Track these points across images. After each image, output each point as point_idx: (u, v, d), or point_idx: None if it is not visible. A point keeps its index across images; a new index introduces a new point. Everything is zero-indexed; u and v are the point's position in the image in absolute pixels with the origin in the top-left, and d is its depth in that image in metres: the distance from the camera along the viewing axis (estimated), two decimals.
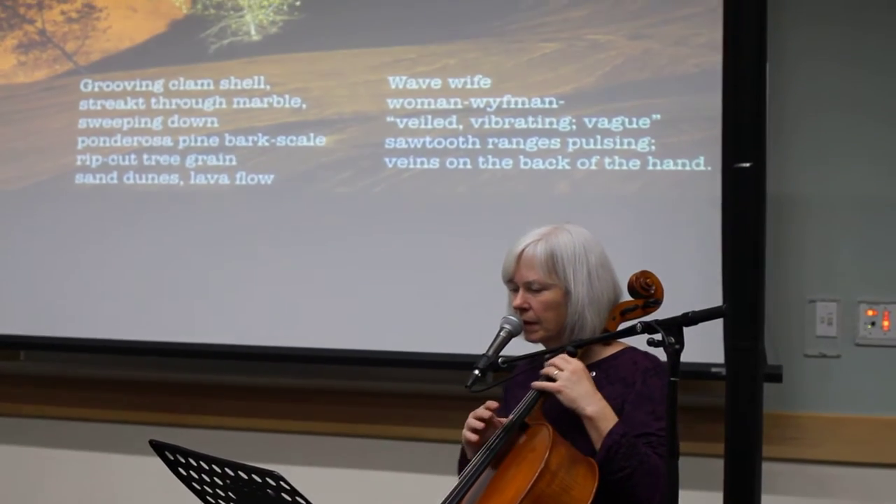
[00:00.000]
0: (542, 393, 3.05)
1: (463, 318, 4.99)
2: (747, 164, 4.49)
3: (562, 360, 3.02)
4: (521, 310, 3.18)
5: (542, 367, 3.16)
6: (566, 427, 3.00)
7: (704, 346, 4.36)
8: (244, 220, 5.38)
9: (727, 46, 4.80)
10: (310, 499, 2.54)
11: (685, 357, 2.79)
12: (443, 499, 2.96)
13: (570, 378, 2.99)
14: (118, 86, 5.65)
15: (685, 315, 2.83)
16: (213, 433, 5.40)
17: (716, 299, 4.60)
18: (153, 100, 5.59)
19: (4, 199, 5.71)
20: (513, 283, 3.21)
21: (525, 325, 3.17)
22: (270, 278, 5.30)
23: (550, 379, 3.02)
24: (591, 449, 2.97)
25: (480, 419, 3.08)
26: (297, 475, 2.55)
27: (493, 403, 3.13)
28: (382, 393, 5.34)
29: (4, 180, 5.73)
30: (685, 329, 2.81)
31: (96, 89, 5.68)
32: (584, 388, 2.99)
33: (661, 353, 2.90)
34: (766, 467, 4.56)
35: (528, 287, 3.16)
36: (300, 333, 5.23)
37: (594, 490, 2.86)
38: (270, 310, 5.29)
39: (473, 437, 3.05)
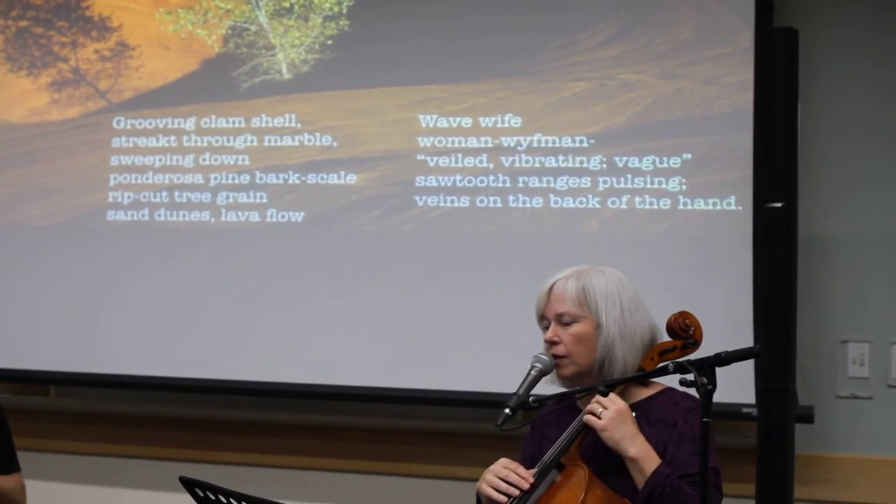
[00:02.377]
0: (582, 430, 3.03)
1: (492, 357, 4.98)
2: (779, 204, 4.48)
3: (607, 400, 3.00)
4: (551, 343, 3.16)
5: (574, 406, 3.15)
6: (602, 468, 2.98)
7: (736, 386, 4.32)
8: (274, 258, 5.39)
9: (758, 86, 4.80)
10: None
11: (716, 397, 2.77)
12: None
13: (614, 418, 2.97)
14: (150, 123, 5.68)
15: (718, 355, 2.81)
16: (240, 469, 5.38)
17: (746, 340, 4.58)
18: (185, 137, 5.61)
19: (36, 235, 5.74)
20: (545, 320, 3.20)
21: (556, 359, 3.15)
22: (300, 315, 5.31)
23: (595, 414, 3.00)
24: (626, 491, 2.94)
25: (507, 480, 3.02)
26: None
27: (511, 462, 3.09)
28: (410, 431, 5.33)
29: (37, 216, 5.76)
30: (717, 369, 2.79)
31: (128, 127, 5.71)
32: (628, 429, 2.97)
33: (693, 393, 2.88)
34: None
35: (559, 320, 3.15)
36: (330, 370, 5.23)
37: None
38: (300, 347, 5.29)
39: (502, 499, 3.00)
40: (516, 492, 2.97)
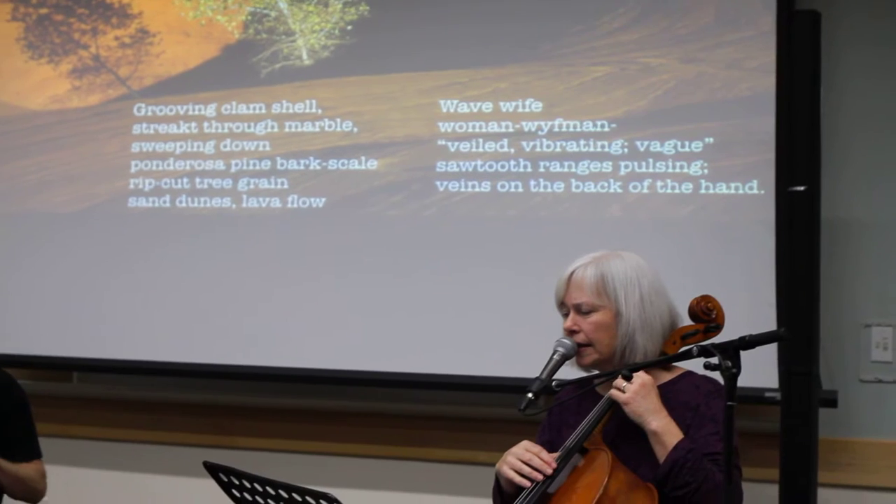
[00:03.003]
0: (606, 413, 3.02)
1: (513, 341, 4.98)
2: (802, 188, 4.47)
3: (634, 375, 2.99)
4: (571, 332, 3.15)
5: (594, 392, 3.14)
6: (624, 453, 2.98)
7: (759, 370, 4.31)
8: (296, 243, 5.40)
9: (780, 70, 4.78)
10: None
11: (740, 382, 2.76)
12: None
13: (638, 391, 2.97)
14: (171, 110, 5.69)
15: (742, 339, 2.80)
16: (261, 455, 5.40)
17: (769, 324, 4.56)
18: (205, 124, 5.62)
19: (58, 223, 5.76)
20: (564, 307, 3.19)
21: (577, 348, 3.14)
22: (321, 301, 5.32)
23: (619, 389, 2.99)
24: (649, 476, 2.94)
25: (530, 464, 3.01)
26: (347, 498, 2.54)
27: (534, 446, 3.08)
28: (431, 416, 5.34)
29: (58, 203, 5.77)
30: (741, 353, 2.79)
31: (149, 113, 5.72)
32: (652, 403, 2.97)
33: (717, 377, 2.87)
34: (822, 493, 4.52)
35: (578, 309, 3.14)
36: (351, 356, 5.24)
37: None
38: (321, 332, 5.30)
39: (525, 483, 2.98)
40: (539, 476, 2.96)
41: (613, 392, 2.99)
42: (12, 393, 4.26)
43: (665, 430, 2.93)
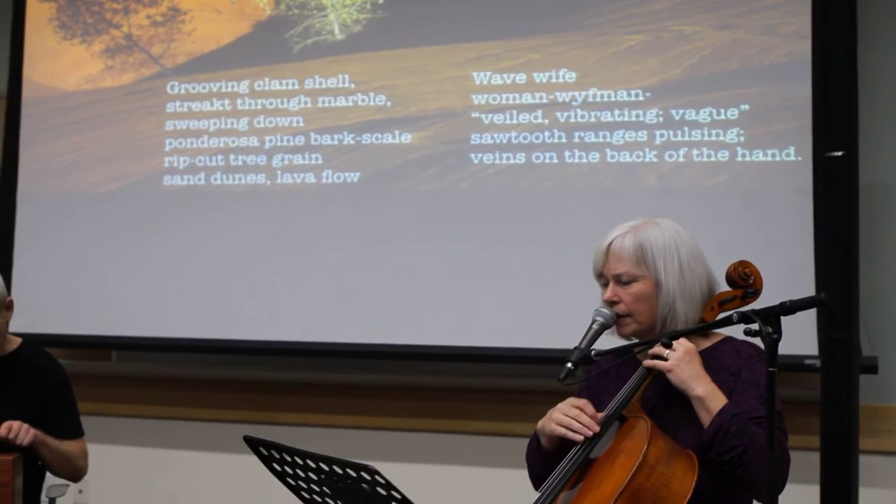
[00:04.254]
0: (644, 381, 3.01)
1: (550, 313, 4.98)
2: (839, 153, 4.43)
3: (675, 343, 2.97)
4: (611, 303, 3.13)
5: (634, 359, 3.13)
6: (663, 421, 2.96)
7: (799, 338, 4.30)
8: (331, 218, 5.40)
9: (816, 35, 4.74)
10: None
11: (779, 349, 2.74)
12: (539, 493, 2.93)
13: (682, 358, 2.94)
14: (204, 87, 5.69)
15: (782, 304, 2.78)
16: (300, 430, 5.42)
17: (808, 291, 4.54)
18: (239, 101, 5.62)
19: (94, 202, 5.78)
20: (602, 277, 3.17)
21: (617, 318, 3.12)
22: (359, 275, 5.32)
23: (661, 358, 2.97)
24: (688, 443, 2.92)
25: (578, 420, 2.99)
26: (384, 471, 2.54)
27: (579, 401, 3.07)
28: (467, 389, 5.34)
29: (94, 183, 5.79)
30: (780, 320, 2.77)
31: (183, 91, 5.72)
32: (696, 369, 2.94)
33: (757, 343, 2.85)
34: (863, 460, 4.50)
35: (618, 280, 3.11)
36: (390, 330, 5.24)
37: (694, 484, 2.81)
38: (358, 307, 5.30)
39: (576, 437, 2.96)
40: (588, 432, 2.94)
41: (656, 363, 2.97)
42: (54, 373, 4.29)
43: (710, 396, 2.91)
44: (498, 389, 5.29)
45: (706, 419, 2.89)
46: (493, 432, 5.29)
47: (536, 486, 3.14)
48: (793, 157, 4.81)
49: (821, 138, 4.66)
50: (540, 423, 3.07)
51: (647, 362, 2.99)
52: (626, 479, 2.77)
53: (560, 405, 3.03)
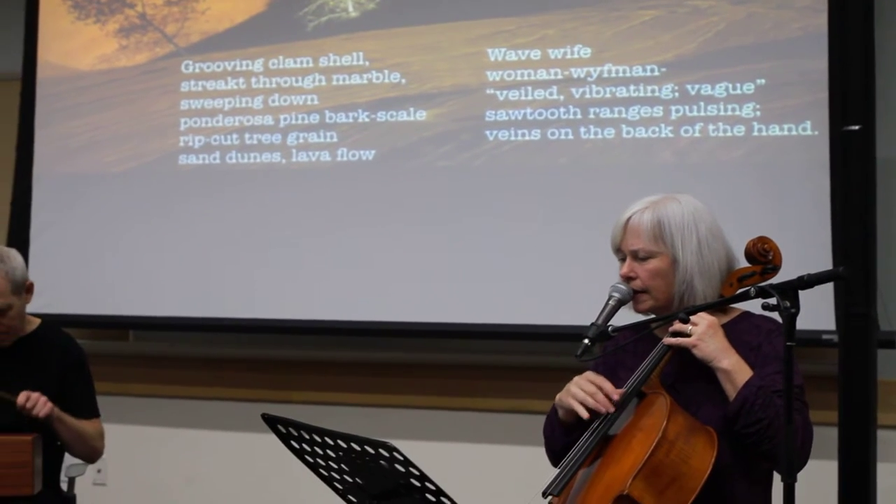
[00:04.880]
0: (664, 356, 3.00)
1: (567, 289, 4.97)
2: (856, 127, 4.41)
3: (696, 317, 2.96)
4: (628, 279, 3.12)
5: (651, 335, 3.12)
6: (682, 396, 2.95)
7: (816, 313, 4.29)
8: (346, 196, 5.40)
9: (832, 7, 4.71)
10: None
11: (797, 324, 2.73)
12: (558, 469, 2.93)
13: (706, 332, 2.93)
14: (219, 66, 5.69)
15: (800, 278, 2.77)
16: (318, 408, 5.42)
17: (825, 266, 4.49)
18: (253, 79, 5.62)
19: (109, 182, 5.78)
20: (620, 252, 3.16)
21: (634, 294, 3.11)
22: (374, 253, 5.32)
23: (683, 335, 2.96)
24: (707, 419, 2.91)
25: (594, 398, 2.98)
26: (402, 449, 2.54)
27: (598, 377, 3.06)
28: (486, 366, 5.34)
29: (109, 163, 5.80)
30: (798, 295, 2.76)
31: (197, 70, 5.72)
32: (720, 342, 2.93)
33: (775, 318, 2.85)
34: (881, 435, 4.50)
35: (635, 255, 3.10)
36: (406, 308, 5.25)
37: (713, 460, 2.80)
38: (374, 285, 5.31)
39: (585, 414, 2.96)
40: (603, 409, 2.94)
41: (680, 339, 2.95)
42: (71, 353, 4.31)
43: (736, 369, 2.90)
44: (514, 366, 5.30)
45: (732, 392, 2.88)
46: (510, 409, 5.29)
47: (554, 461, 3.14)
48: (809, 132, 4.79)
49: (837, 112, 4.64)
50: (557, 396, 3.06)
51: (669, 340, 2.98)
52: (645, 455, 2.77)
53: (577, 379, 3.02)
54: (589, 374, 3.04)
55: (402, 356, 5.46)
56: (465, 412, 5.39)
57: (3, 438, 3.98)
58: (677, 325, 2.96)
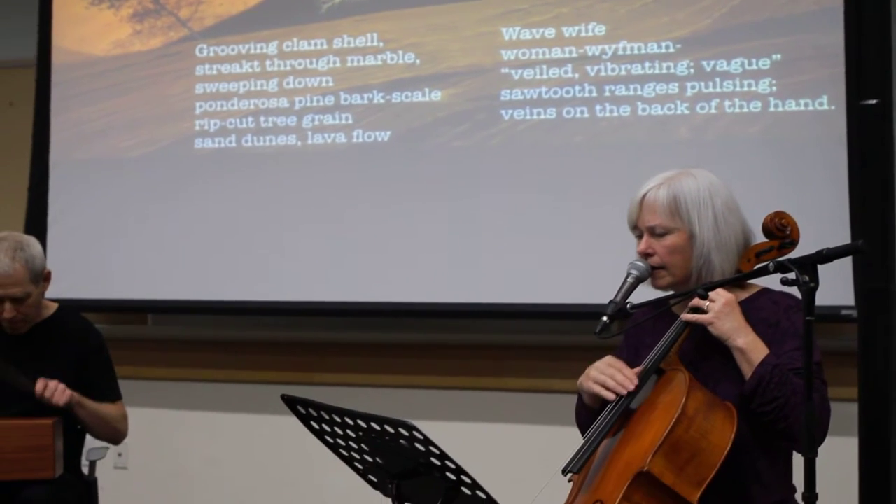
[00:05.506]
0: (682, 333, 2.99)
1: (585, 268, 4.97)
2: (873, 101, 4.40)
3: (713, 294, 2.95)
4: (645, 255, 3.11)
5: (670, 312, 3.11)
6: (701, 373, 2.95)
7: (835, 288, 4.27)
8: (363, 178, 5.40)
9: None
10: None
11: (815, 300, 2.72)
12: (578, 447, 2.93)
13: (722, 310, 2.93)
14: (233, 50, 5.68)
15: (819, 252, 2.76)
16: (339, 390, 5.42)
17: (843, 241, 4.46)
18: (268, 62, 5.61)
19: (126, 167, 5.79)
20: (637, 229, 3.15)
21: (652, 270, 3.10)
22: (391, 234, 5.32)
23: (700, 311, 2.96)
24: (726, 395, 2.91)
25: (614, 379, 2.98)
26: (423, 429, 2.54)
27: (616, 361, 3.06)
28: (506, 345, 5.34)
29: (125, 148, 5.80)
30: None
31: (211, 54, 5.72)
32: (737, 320, 2.93)
33: (794, 293, 2.84)
34: None
35: (652, 232, 3.09)
36: (423, 288, 5.25)
37: (733, 435, 2.80)
38: (393, 266, 5.31)
39: (609, 395, 2.96)
40: (623, 390, 2.94)
41: (696, 317, 2.95)
42: (90, 337, 4.32)
43: (751, 347, 2.90)
44: (533, 346, 5.30)
45: (747, 370, 2.88)
46: (531, 389, 5.29)
47: None
48: (826, 107, 4.77)
49: (854, 86, 4.62)
50: (579, 382, 3.06)
51: (686, 316, 2.98)
52: (664, 431, 2.77)
53: (597, 363, 3.03)
54: (609, 358, 3.05)
55: (420, 337, 5.46)
56: (486, 392, 5.39)
57: (23, 422, 4.00)
58: (696, 301, 2.96)
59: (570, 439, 3.13)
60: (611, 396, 2.94)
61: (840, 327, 4.65)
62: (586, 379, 3.02)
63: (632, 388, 2.93)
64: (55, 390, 4.03)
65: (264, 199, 5.54)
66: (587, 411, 3.09)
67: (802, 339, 2.74)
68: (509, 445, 5.30)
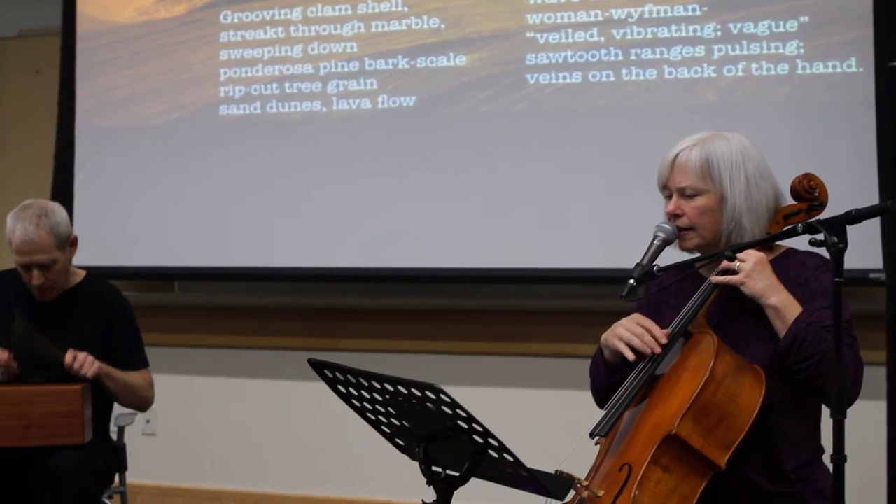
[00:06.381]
0: (711, 295, 2.97)
1: (610, 232, 4.96)
2: None
3: (743, 254, 2.93)
4: (674, 216, 3.09)
5: (696, 274, 3.09)
6: (729, 336, 2.93)
7: (863, 251, 4.25)
8: (388, 143, 5.39)
9: None
10: None
11: (843, 263, 2.71)
12: (605, 411, 2.92)
13: (754, 268, 2.90)
14: (257, 16, 5.67)
15: (848, 213, 2.74)
16: (366, 355, 5.42)
17: (872, 202, 4.45)
18: (292, 28, 5.60)
19: (151, 134, 5.80)
20: (667, 190, 3.12)
21: (679, 231, 3.08)
22: (418, 200, 5.32)
23: (731, 272, 2.94)
24: (754, 358, 2.89)
25: (642, 339, 2.96)
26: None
27: (645, 320, 3.04)
28: (532, 311, 5.34)
29: (151, 115, 5.81)
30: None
31: (236, 20, 5.71)
32: (769, 278, 2.90)
33: (823, 254, 2.82)
34: None
35: (682, 193, 3.07)
36: (449, 253, 5.25)
37: (762, 398, 2.78)
38: (419, 231, 5.31)
39: (631, 355, 2.94)
40: (649, 350, 2.92)
41: (728, 277, 2.93)
42: (117, 305, 4.34)
43: (785, 305, 2.87)
44: (559, 311, 5.29)
45: (781, 329, 2.85)
46: (556, 354, 5.29)
47: (599, 402, 3.13)
48: (854, 69, 4.73)
49: (882, 48, 4.58)
50: (603, 336, 3.05)
51: (717, 278, 2.95)
52: (693, 394, 2.76)
53: (623, 320, 3.00)
54: (637, 317, 3.02)
55: (446, 302, 5.47)
56: (510, 357, 5.39)
57: (52, 388, 4.02)
58: (726, 264, 2.93)
59: (594, 404, 3.13)
60: (632, 356, 2.93)
61: (868, 290, 4.63)
62: (612, 335, 3.00)
63: (658, 349, 2.92)
64: (84, 362, 4.04)
65: (289, 166, 5.54)
66: (605, 367, 3.07)
67: (831, 298, 2.72)
68: (534, 410, 5.30)
